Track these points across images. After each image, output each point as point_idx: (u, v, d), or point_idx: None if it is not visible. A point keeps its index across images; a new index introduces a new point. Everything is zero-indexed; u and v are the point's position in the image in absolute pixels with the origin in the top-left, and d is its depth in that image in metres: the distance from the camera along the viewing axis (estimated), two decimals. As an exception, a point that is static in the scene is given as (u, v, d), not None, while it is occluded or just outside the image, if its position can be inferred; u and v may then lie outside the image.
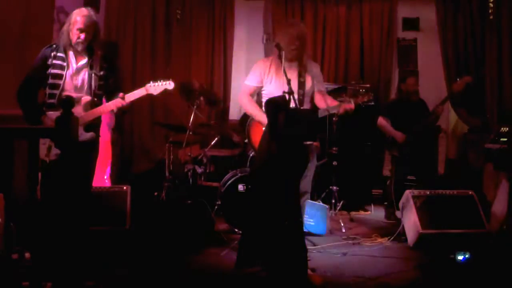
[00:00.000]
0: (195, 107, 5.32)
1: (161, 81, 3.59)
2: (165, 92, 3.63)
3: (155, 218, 4.50)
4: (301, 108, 3.59)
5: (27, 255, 3.06)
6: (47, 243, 2.91)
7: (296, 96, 3.63)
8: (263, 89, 3.76)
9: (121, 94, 3.45)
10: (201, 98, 5.40)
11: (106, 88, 3.51)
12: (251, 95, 3.78)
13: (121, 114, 3.61)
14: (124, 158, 6.17)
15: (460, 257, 3.80)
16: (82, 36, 3.36)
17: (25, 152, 2.74)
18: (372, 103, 3.77)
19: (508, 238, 4.23)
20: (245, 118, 5.87)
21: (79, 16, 3.36)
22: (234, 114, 6.95)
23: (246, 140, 3.87)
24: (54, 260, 2.77)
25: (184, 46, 6.71)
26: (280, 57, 3.48)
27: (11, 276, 2.65)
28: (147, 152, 6.34)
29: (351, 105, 3.62)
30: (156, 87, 3.57)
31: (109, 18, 6.12)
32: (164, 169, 5.44)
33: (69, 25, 3.38)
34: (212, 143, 5.61)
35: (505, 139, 4.96)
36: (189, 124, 5.23)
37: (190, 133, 5.19)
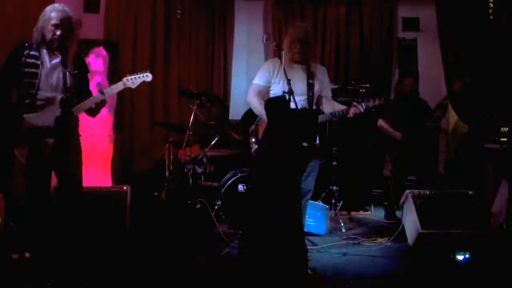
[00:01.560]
0: (195, 107, 5.32)
1: (139, 73, 3.46)
2: (143, 83, 3.48)
3: (155, 218, 4.50)
4: (301, 108, 3.59)
5: (27, 255, 3.07)
6: (47, 243, 2.91)
7: (305, 97, 3.66)
8: (270, 89, 3.77)
9: (100, 89, 3.34)
10: (202, 98, 5.40)
11: (79, 86, 3.38)
12: (260, 94, 3.78)
13: (97, 108, 3.43)
14: (124, 158, 6.18)
15: (460, 257, 3.80)
16: (58, 31, 3.26)
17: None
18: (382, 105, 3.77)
19: (508, 238, 4.23)
20: (247, 117, 5.88)
21: (53, 12, 3.28)
22: (234, 114, 6.95)
23: (253, 140, 3.86)
24: (54, 260, 2.78)
25: (184, 46, 6.72)
26: (279, 57, 3.49)
27: (11, 276, 2.65)
28: (147, 152, 6.34)
29: (361, 109, 3.63)
30: (134, 80, 3.43)
31: (109, 18, 6.12)
32: (164, 169, 5.44)
33: (44, 21, 3.29)
34: (212, 143, 5.61)
35: (505, 139, 4.95)
36: (189, 124, 5.23)
37: (190, 133, 5.19)
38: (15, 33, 4.51)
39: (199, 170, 5.25)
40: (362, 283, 3.45)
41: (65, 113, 3.10)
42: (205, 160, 5.51)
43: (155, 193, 5.25)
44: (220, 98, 6.54)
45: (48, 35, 3.28)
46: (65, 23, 3.29)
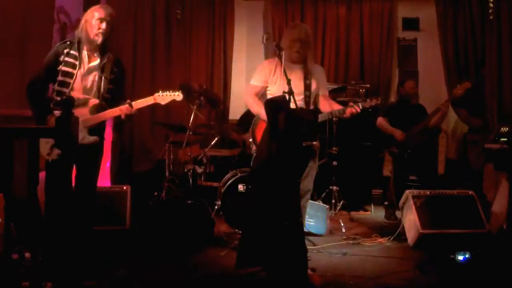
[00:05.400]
0: (195, 107, 5.32)
1: (170, 91, 3.55)
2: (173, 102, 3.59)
3: (155, 218, 4.50)
4: (301, 108, 3.59)
5: (27, 255, 3.07)
6: (48, 243, 2.91)
7: (302, 97, 3.66)
8: (268, 89, 3.76)
9: (128, 101, 3.40)
10: (201, 98, 5.41)
11: (114, 92, 3.44)
12: (257, 94, 3.78)
13: (126, 121, 3.55)
14: (124, 158, 6.18)
15: (460, 257, 3.80)
16: (103, 25, 3.30)
17: (25, 152, 2.73)
18: (380, 106, 3.78)
19: (508, 238, 4.23)
20: (245, 117, 5.89)
21: (97, 9, 3.35)
22: (234, 114, 6.95)
23: (250, 139, 3.86)
24: (54, 260, 2.77)
25: (184, 46, 6.72)
26: (280, 57, 3.49)
27: (11, 276, 2.65)
28: (147, 152, 6.34)
29: (358, 109, 3.63)
30: (164, 97, 3.52)
31: (109, 18, 6.11)
32: (164, 169, 5.44)
33: (86, 20, 3.32)
34: (212, 143, 5.62)
35: (505, 139, 4.95)
36: (189, 124, 5.23)
37: (190, 133, 5.19)
38: (15, 33, 4.51)
39: (199, 170, 5.25)
40: (362, 283, 3.45)
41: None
42: (205, 160, 5.51)
43: (155, 193, 5.25)
44: (220, 98, 6.54)
45: (93, 31, 3.30)
46: (110, 17, 3.36)
